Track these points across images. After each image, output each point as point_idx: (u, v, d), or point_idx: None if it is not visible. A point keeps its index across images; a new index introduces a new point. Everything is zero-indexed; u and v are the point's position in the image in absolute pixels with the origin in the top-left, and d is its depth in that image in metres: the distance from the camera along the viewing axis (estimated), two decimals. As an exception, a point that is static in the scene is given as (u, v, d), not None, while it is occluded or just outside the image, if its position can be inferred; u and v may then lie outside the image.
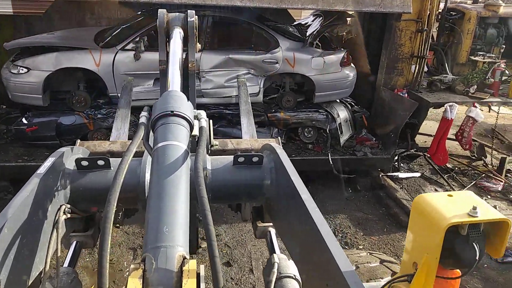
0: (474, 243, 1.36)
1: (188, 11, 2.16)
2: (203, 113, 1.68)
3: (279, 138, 2.50)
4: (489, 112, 7.04)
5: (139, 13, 6.71)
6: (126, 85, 5.61)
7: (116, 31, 6.26)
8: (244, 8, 6.06)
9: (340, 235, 5.51)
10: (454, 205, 1.37)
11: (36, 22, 7.22)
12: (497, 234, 1.38)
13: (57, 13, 7.31)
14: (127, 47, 5.79)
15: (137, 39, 5.80)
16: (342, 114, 6.61)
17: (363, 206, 6.23)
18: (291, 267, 1.49)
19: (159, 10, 2.15)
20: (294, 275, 1.45)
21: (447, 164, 7.04)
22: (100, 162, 1.83)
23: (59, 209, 1.69)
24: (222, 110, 6.21)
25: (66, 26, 7.18)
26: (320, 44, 6.50)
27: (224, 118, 6.20)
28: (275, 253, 1.71)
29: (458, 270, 1.43)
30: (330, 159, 6.14)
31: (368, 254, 2.60)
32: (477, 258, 1.35)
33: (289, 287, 1.41)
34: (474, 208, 1.32)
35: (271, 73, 6.25)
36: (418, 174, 6.95)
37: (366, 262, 2.37)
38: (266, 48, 6.22)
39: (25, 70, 5.57)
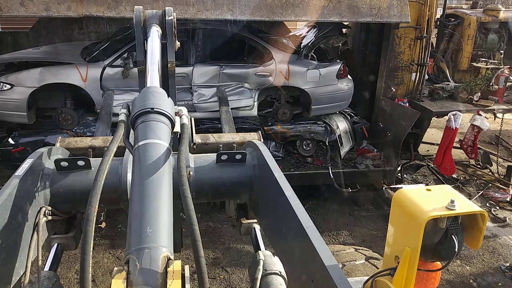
0: (453, 236, 1.49)
1: (166, 8, 2.14)
2: (184, 110, 1.71)
3: (260, 132, 2.61)
4: (494, 120, 7.17)
5: (129, 25, 6.67)
6: (106, 97, 5.70)
7: (104, 45, 6.36)
8: (236, 20, 6.27)
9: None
10: (433, 199, 1.51)
11: (23, 38, 7.43)
12: (474, 226, 1.51)
13: (44, 28, 7.52)
14: (115, 63, 5.89)
15: (125, 55, 5.89)
16: (341, 125, 6.71)
17: (367, 222, 6.27)
18: (276, 264, 1.58)
19: (136, 7, 2.11)
20: (280, 272, 1.55)
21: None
22: (80, 163, 1.87)
23: (39, 211, 1.72)
24: (217, 124, 6.22)
25: (54, 41, 7.36)
26: (315, 56, 6.63)
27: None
28: (260, 250, 1.82)
29: (438, 263, 1.55)
30: (331, 172, 6.21)
31: (354, 250, 2.72)
32: (456, 250, 1.48)
33: (275, 284, 1.50)
34: (452, 201, 1.46)
35: (264, 86, 6.39)
36: (422, 186, 7.03)
37: (352, 260, 2.48)
38: (259, 61, 6.35)
39: (8, 86, 5.62)
